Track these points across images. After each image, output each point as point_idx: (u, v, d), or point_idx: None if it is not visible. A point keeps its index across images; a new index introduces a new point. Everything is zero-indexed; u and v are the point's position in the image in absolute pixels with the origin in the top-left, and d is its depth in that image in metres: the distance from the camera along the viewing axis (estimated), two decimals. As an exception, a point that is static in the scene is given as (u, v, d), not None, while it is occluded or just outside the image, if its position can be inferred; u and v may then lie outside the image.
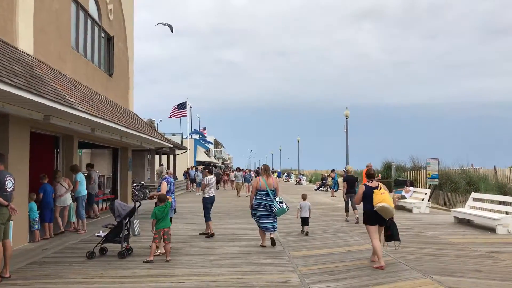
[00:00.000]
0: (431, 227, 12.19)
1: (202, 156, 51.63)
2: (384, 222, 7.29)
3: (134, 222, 8.29)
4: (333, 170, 26.93)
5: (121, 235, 8.08)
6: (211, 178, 10.73)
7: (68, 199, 11.16)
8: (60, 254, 8.57)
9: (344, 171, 29.10)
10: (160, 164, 30.98)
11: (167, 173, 25.52)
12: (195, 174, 30.17)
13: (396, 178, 23.36)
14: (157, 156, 33.33)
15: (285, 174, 66.56)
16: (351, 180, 13.92)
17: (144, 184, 25.59)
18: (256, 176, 18.73)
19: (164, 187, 8.73)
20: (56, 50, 11.14)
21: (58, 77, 10.18)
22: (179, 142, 40.21)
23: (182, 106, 33.35)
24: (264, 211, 8.97)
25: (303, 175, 53.94)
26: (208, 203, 10.64)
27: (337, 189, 27.75)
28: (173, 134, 48.35)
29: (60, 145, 12.23)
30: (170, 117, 33.43)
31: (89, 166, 14.46)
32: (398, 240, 7.34)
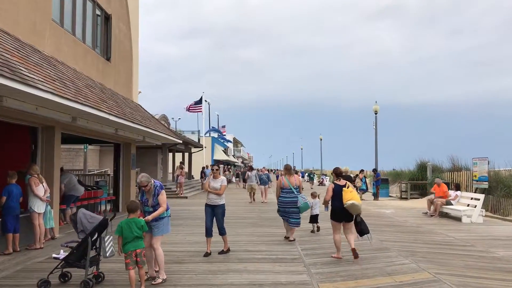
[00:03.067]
0: (497, 244, 9.60)
1: (220, 155, 49.55)
2: (351, 219, 7.79)
3: (106, 239, 6.08)
4: (361, 171, 24.31)
5: (86, 257, 5.88)
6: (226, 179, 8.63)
7: (44, 204, 9.10)
8: (10, 279, 6.45)
9: (373, 171, 26.54)
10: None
11: (181, 172, 23.38)
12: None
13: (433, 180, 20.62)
14: (170, 154, 31.35)
15: (306, 174, 63.92)
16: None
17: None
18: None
19: (165, 197, 6.47)
20: (28, 21, 9.07)
21: (25, 51, 8.08)
22: (197, 141, 38.23)
23: (198, 101, 31.29)
24: (289, 208, 9.48)
25: (326, 175, 51.23)
26: (225, 209, 8.50)
27: (366, 191, 25.08)
28: (192, 132, 46.53)
29: (38, 138, 10.16)
30: (187, 110, 31.42)
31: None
32: (368, 232, 7.90)
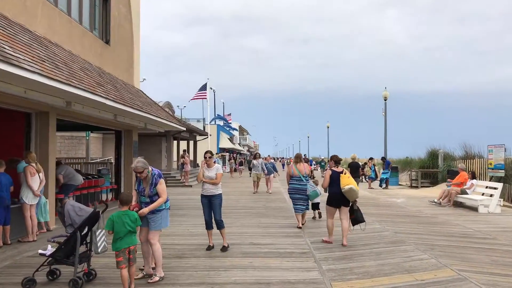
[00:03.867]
0: (519, 237, 8.98)
1: (225, 143, 49.01)
2: (347, 204, 7.96)
3: (98, 233, 5.52)
4: (370, 159, 23.67)
5: (75, 253, 5.34)
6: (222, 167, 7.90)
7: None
8: (-4, 276, 5.94)
9: (382, 159, 25.83)
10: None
11: (184, 160, 22.81)
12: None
13: (449, 168, 19.96)
14: (175, 143, 30.81)
15: (315, 162, 63.25)
16: (354, 166, 16.60)
17: (158, 172, 23.08)
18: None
19: (164, 187, 5.87)
20: (18, -2, 8.45)
21: (13, 30, 7.48)
22: (202, 128, 37.64)
23: (202, 87, 30.50)
24: (298, 194, 9.74)
25: None
26: (222, 200, 7.73)
27: (375, 179, 24.41)
28: (198, 120, 45.94)
29: (32, 124, 9.61)
30: (192, 99, 30.58)
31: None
32: (363, 221, 8.03)
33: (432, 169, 24.21)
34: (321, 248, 7.69)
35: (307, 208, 10.14)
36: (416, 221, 11.02)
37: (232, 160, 41.25)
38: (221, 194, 7.61)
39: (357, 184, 14.92)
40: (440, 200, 14.67)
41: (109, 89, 10.41)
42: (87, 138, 22.68)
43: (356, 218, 8.00)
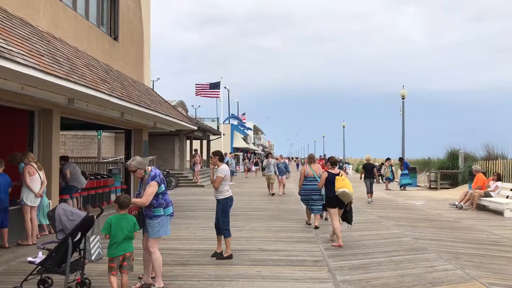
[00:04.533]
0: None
1: (239, 142, 48.58)
2: (342, 206, 8.00)
3: (92, 239, 5.09)
4: (388, 159, 22.91)
5: (67, 261, 4.92)
6: (226, 169, 7.02)
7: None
8: (-14, 283, 5.56)
9: (400, 160, 25.04)
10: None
11: (195, 160, 22.40)
12: (227, 161, 27.00)
13: (470, 170, 19.10)
14: (188, 142, 30.47)
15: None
16: (370, 167, 16.06)
17: (170, 172, 22.74)
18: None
19: (153, 190, 5.32)
20: (18, -10, 8.10)
21: (11, 23, 7.12)
22: (216, 128, 37.27)
23: (215, 85, 30.02)
24: (313, 195, 9.68)
25: (348, 163, 49.71)
26: (229, 206, 7.02)
27: (392, 180, 23.61)
28: (212, 120, 45.66)
29: (35, 123, 9.27)
30: (197, 94, 29.91)
31: (63, 158, 11.44)
32: (350, 223, 8.24)
33: (452, 170, 23.34)
34: (335, 256, 7.14)
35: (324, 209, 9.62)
36: (438, 226, 10.37)
37: (247, 160, 40.77)
38: (223, 200, 6.90)
39: (372, 184, 15.45)
40: (462, 203, 13.94)
41: (115, 86, 10.02)
42: (99, 137, 22.47)
43: (347, 218, 8.13)
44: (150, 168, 5.43)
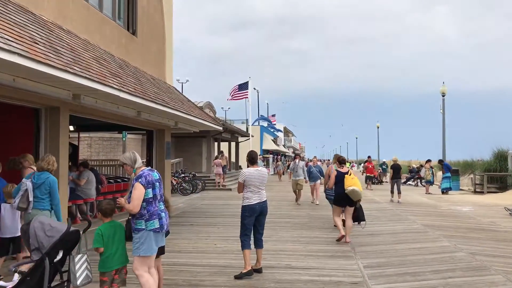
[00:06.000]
0: None
1: (269, 144, 47.49)
2: (352, 204, 8.10)
3: (77, 259, 4.14)
4: (428, 161, 21.25)
5: (44, 285, 3.97)
6: (254, 172, 6.07)
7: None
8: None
9: (440, 162, 23.29)
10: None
11: (214, 162, 21.35)
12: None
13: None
14: (216, 144, 29.67)
15: (362, 164, 60.34)
16: (397, 168, 16.36)
17: (196, 174, 21.92)
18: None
19: (139, 194, 4.28)
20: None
21: (5, 9, 6.33)
22: (245, 130, 36.38)
23: (243, 86, 29.10)
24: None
25: (350, 163, 47.63)
26: (247, 216, 6.01)
27: (433, 184, 21.86)
28: (242, 122, 44.90)
29: (41, 121, 8.51)
30: (231, 99, 29.22)
31: (83, 165, 10.75)
32: (364, 220, 8.42)
33: (500, 173, 21.45)
34: (378, 276, 5.94)
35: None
36: (495, 238, 8.95)
37: (280, 163, 39.31)
38: (241, 207, 6.06)
39: (399, 185, 15.78)
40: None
41: (128, 81, 9.15)
42: (124, 139, 21.91)
43: (358, 216, 8.27)
44: (142, 168, 4.47)
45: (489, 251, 7.57)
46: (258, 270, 6.01)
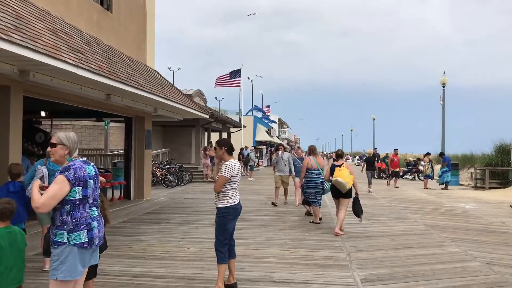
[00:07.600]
0: None
1: (263, 136, 46.31)
2: (345, 196, 8.16)
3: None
4: (427, 154, 20.19)
5: None
6: (238, 165, 4.96)
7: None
8: None
9: (440, 155, 22.29)
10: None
11: (202, 153, 20.23)
12: (247, 154, 24.79)
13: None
14: (206, 134, 28.48)
15: (357, 157, 59.60)
16: (371, 161, 18.37)
17: (183, 166, 20.75)
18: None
19: (57, 191, 3.06)
20: None
21: None
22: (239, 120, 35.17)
23: (235, 74, 27.77)
24: (316, 188, 9.37)
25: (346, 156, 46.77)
26: (230, 219, 4.87)
27: (432, 178, 20.72)
28: (236, 113, 43.69)
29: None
30: (217, 85, 27.77)
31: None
32: (358, 216, 8.32)
33: (502, 167, 20.48)
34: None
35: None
36: (509, 242, 7.89)
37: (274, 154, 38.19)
38: (223, 209, 4.84)
39: (372, 176, 17.52)
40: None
41: (93, 58, 7.94)
42: (106, 127, 20.69)
43: (355, 210, 8.32)
44: (77, 157, 3.30)
45: (507, 259, 6.51)
46: (233, 286, 4.89)
